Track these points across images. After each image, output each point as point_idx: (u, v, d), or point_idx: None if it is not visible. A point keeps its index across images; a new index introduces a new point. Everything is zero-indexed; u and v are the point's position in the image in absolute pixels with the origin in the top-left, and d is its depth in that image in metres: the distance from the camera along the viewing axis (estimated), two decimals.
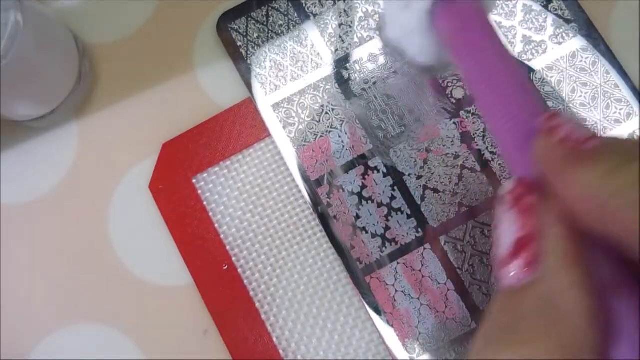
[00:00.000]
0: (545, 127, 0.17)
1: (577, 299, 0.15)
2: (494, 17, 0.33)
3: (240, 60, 0.33)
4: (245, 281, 0.32)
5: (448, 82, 0.32)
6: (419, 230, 0.31)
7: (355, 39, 0.33)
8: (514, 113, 0.18)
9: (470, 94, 0.30)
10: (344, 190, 0.32)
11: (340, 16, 0.33)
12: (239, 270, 0.32)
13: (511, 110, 0.19)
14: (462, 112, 0.32)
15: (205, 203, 0.33)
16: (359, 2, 0.34)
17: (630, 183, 0.14)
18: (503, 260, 0.17)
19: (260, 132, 0.33)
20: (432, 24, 0.22)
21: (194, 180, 0.33)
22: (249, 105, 0.33)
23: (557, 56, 0.32)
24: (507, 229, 0.17)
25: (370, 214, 0.31)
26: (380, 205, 0.32)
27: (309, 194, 0.32)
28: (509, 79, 0.19)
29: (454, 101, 0.32)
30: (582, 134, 0.16)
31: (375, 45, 0.33)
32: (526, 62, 0.32)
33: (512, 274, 0.16)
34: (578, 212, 0.15)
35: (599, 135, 0.16)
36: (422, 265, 0.31)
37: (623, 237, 0.14)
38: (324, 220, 0.32)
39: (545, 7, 0.33)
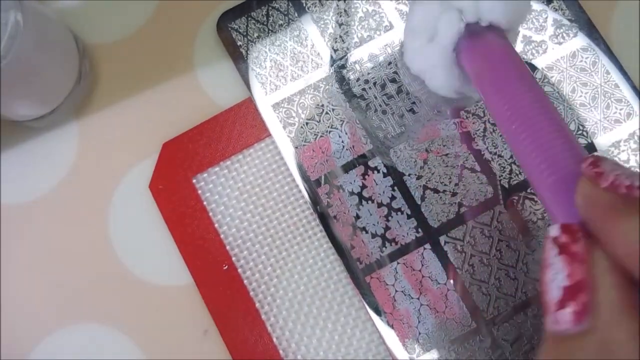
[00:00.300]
0: (589, 173, 0.16)
1: (636, 351, 0.14)
2: None
3: (240, 60, 0.33)
4: (245, 281, 0.32)
5: None
6: (419, 230, 0.31)
7: (356, 39, 0.33)
8: (554, 158, 0.18)
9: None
10: (344, 190, 0.32)
11: (340, 16, 0.33)
12: (239, 270, 0.32)
13: (550, 156, 0.18)
14: (462, 112, 0.32)
15: (205, 203, 0.32)
16: (359, 1, 0.33)
17: None
18: (553, 307, 0.16)
19: (260, 132, 0.33)
20: (457, 61, 0.21)
21: (194, 180, 0.33)
22: (249, 105, 0.33)
23: (557, 56, 0.32)
24: (556, 275, 0.16)
25: (370, 214, 0.31)
26: (380, 205, 0.32)
27: (309, 194, 0.32)
28: (545, 121, 0.18)
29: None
30: (630, 180, 0.16)
31: (375, 45, 0.33)
32: (527, 62, 0.32)
33: (562, 322, 0.16)
34: (629, 263, 0.15)
35: None
36: (422, 265, 0.31)
37: None
38: (324, 220, 0.32)
39: (546, 6, 0.33)
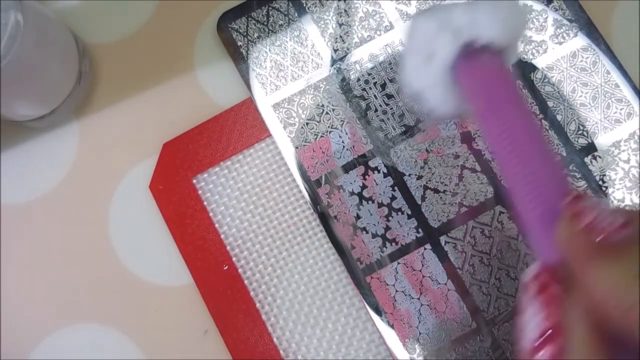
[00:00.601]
0: (569, 211, 0.16)
1: None
2: None
3: (240, 60, 0.33)
4: (245, 281, 0.32)
5: None
6: (420, 230, 0.31)
7: (356, 39, 0.33)
8: (542, 190, 0.17)
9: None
10: (344, 190, 0.32)
11: (340, 16, 0.33)
12: (239, 270, 0.32)
13: (538, 187, 0.17)
14: None
15: (205, 203, 0.32)
16: (359, 2, 0.33)
17: None
18: (529, 350, 0.16)
19: (261, 132, 0.33)
20: (454, 79, 0.21)
21: (194, 180, 0.33)
22: (249, 105, 0.33)
23: (557, 56, 0.32)
24: (532, 317, 0.16)
25: (371, 214, 0.31)
26: (380, 205, 0.32)
27: (309, 194, 0.32)
28: (537, 151, 0.18)
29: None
30: (609, 222, 0.15)
31: (375, 45, 0.33)
32: (527, 61, 0.32)
33: None
34: (603, 310, 0.15)
35: (630, 222, 0.15)
36: (423, 265, 0.31)
37: None
38: (325, 220, 0.32)
39: (546, 6, 0.33)
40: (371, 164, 0.32)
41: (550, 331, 0.16)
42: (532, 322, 0.16)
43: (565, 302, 0.16)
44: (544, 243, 0.17)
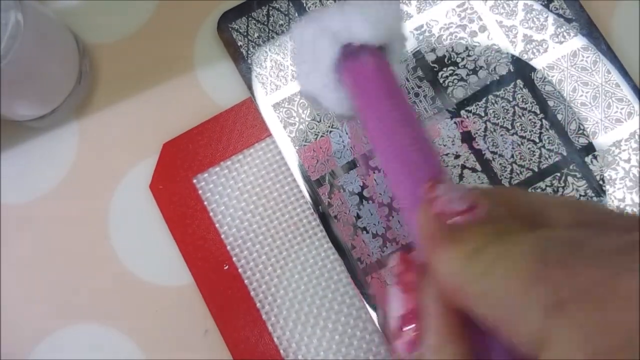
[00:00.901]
0: (425, 197, 0.16)
1: None
2: (495, 17, 0.33)
3: (240, 60, 0.33)
4: (245, 281, 0.32)
5: (448, 82, 0.32)
6: None
7: None
8: (412, 178, 0.18)
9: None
10: (344, 190, 0.32)
11: None
12: (240, 270, 0.32)
13: (409, 176, 0.18)
14: (462, 112, 0.32)
15: (205, 203, 0.32)
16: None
17: (483, 270, 0.14)
18: (393, 335, 0.16)
19: (261, 132, 0.33)
20: (340, 80, 0.22)
21: (194, 180, 0.33)
22: (249, 105, 0.33)
23: (558, 55, 0.32)
24: (393, 303, 0.17)
25: (371, 214, 0.31)
26: (381, 205, 0.32)
27: (309, 194, 0.32)
28: (407, 139, 0.18)
29: (455, 100, 0.32)
30: (457, 206, 0.15)
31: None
32: (527, 61, 0.32)
33: (399, 349, 0.16)
34: (447, 293, 0.15)
35: (479, 204, 0.15)
36: None
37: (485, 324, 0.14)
38: (325, 220, 0.32)
39: (546, 6, 0.33)
40: (372, 163, 0.32)
41: (408, 315, 0.16)
42: (392, 308, 0.17)
43: (420, 288, 0.16)
44: (412, 229, 0.18)
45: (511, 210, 0.16)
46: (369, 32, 0.21)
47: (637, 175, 0.31)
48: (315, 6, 0.34)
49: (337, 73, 0.22)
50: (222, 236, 0.32)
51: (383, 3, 0.21)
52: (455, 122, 0.32)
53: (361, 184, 0.32)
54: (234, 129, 0.33)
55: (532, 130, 0.32)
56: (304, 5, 0.34)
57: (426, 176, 0.17)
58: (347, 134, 0.32)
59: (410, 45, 0.33)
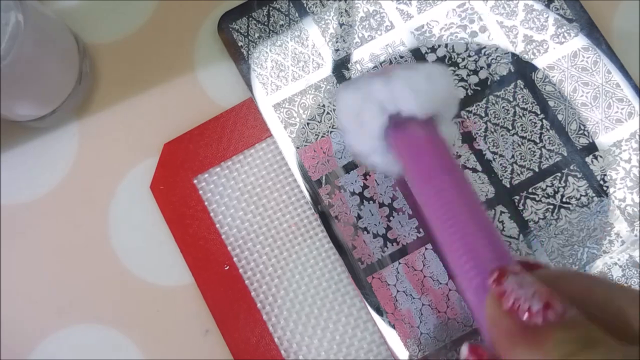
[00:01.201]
0: (494, 290, 0.16)
1: None
2: (496, 18, 0.33)
3: (241, 60, 0.33)
4: (246, 281, 0.32)
5: None
6: (421, 230, 0.31)
7: (357, 39, 0.33)
8: (477, 261, 0.17)
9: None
10: (345, 191, 0.32)
11: (341, 16, 0.33)
12: (240, 270, 0.32)
13: (474, 257, 0.17)
14: (463, 112, 0.32)
15: (206, 203, 0.32)
16: (360, 1, 0.33)
17: None
18: None
19: (262, 132, 0.33)
20: (388, 145, 0.21)
21: (195, 181, 0.33)
22: (250, 106, 0.33)
23: (558, 55, 0.32)
24: None
25: (372, 214, 0.31)
26: (381, 205, 0.32)
27: (310, 194, 0.32)
28: (472, 220, 0.18)
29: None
30: (532, 304, 0.15)
31: (376, 45, 0.33)
32: (528, 61, 0.32)
33: None
34: None
35: (554, 303, 0.15)
36: (424, 265, 0.31)
37: None
38: (325, 220, 0.32)
39: (547, 6, 0.33)
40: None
41: None
42: None
43: None
44: (478, 314, 0.17)
45: (585, 306, 0.15)
46: (416, 105, 0.20)
47: (638, 175, 0.31)
48: (316, 6, 0.34)
49: (386, 140, 0.21)
50: (223, 236, 0.32)
51: (432, 72, 0.20)
52: (455, 123, 0.32)
53: (362, 184, 0.32)
54: (234, 129, 0.33)
55: (533, 131, 0.32)
56: (304, 5, 0.34)
57: (491, 261, 0.16)
58: None
59: (411, 45, 0.33)
